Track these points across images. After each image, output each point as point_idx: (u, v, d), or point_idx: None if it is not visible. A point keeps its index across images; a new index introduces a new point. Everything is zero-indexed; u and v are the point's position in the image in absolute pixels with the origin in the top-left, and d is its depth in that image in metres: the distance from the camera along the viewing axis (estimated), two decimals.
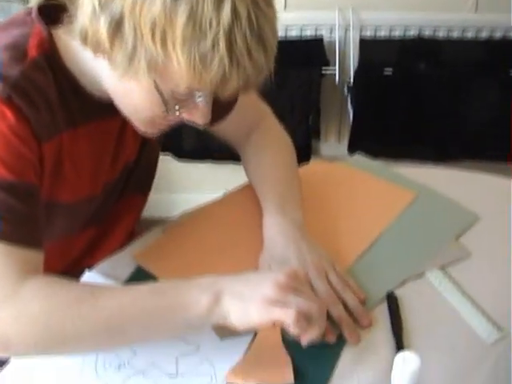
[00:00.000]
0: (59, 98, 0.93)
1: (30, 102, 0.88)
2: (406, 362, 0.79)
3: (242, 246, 1.11)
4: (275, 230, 1.08)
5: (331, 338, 0.96)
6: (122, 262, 1.09)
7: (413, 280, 1.07)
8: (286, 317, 0.86)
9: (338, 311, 0.98)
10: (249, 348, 0.95)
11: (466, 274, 1.08)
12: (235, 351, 0.95)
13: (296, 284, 0.90)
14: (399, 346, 0.97)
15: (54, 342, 0.87)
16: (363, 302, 1.02)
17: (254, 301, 0.87)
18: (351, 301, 1.00)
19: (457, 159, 2.11)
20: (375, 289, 1.05)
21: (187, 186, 2.29)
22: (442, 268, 1.09)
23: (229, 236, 1.14)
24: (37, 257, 0.89)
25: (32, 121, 0.88)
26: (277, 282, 0.88)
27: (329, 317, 0.96)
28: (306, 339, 0.89)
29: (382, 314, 1.02)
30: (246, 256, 1.08)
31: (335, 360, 0.96)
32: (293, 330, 0.87)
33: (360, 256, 1.11)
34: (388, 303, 1.03)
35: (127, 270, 1.08)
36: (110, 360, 0.94)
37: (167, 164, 2.18)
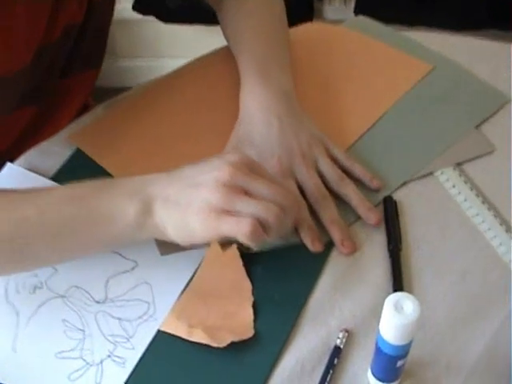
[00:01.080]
0: None
1: None
2: (400, 312, 0.58)
3: (209, 129, 0.90)
4: (253, 102, 0.86)
5: (317, 246, 0.76)
6: (54, 149, 0.90)
7: (417, 180, 0.85)
8: (238, 230, 0.67)
9: (329, 212, 0.78)
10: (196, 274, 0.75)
11: (487, 175, 0.86)
12: (183, 272, 0.76)
13: (248, 178, 0.69)
14: (396, 268, 0.76)
15: None
16: (377, 188, 0.83)
17: (193, 210, 0.68)
18: (352, 194, 0.80)
19: (483, 27, 1.81)
20: (369, 192, 0.83)
21: (174, 52, 2.09)
22: (457, 166, 0.85)
23: (193, 115, 0.93)
24: None
25: None
26: (222, 180, 0.67)
27: (317, 219, 0.78)
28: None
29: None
30: (215, 143, 0.87)
31: (311, 283, 0.76)
32: (249, 244, 0.68)
33: (353, 145, 0.89)
34: (384, 209, 0.81)
35: (60, 158, 0.89)
36: (24, 281, 0.76)
37: (151, 26, 2.00)
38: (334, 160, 0.83)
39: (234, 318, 0.72)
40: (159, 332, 0.72)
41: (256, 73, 0.88)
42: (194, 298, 0.73)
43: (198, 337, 0.69)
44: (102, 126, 0.93)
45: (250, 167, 0.70)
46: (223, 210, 0.67)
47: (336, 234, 0.77)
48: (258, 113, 0.85)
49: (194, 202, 0.68)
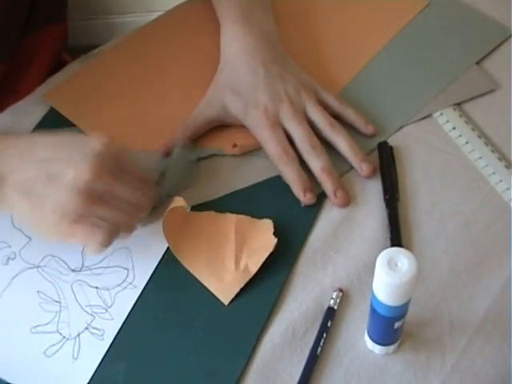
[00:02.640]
0: None
1: None
2: (395, 270, 0.53)
3: (193, 81, 0.83)
4: (235, 47, 0.80)
5: (309, 197, 0.71)
6: (29, 108, 0.84)
7: (414, 123, 0.79)
8: (90, 241, 0.63)
9: (319, 162, 0.72)
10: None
11: (490, 114, 0.79)
12: (163, 235, 0.69)
13: (106, 184, 0.63)
14: (393, 220, 0.70)
15: None
16: (372, 134, 0.77)
17: (46, 210, 0.62)
18: (343, 142, 0.74)
19: None
20: (363, 138, 0.77)
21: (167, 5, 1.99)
22: (457, 106, 0.79)
23: (175, 67, 0.86)
24: None
25: None
26: (80, 185, 0.61)
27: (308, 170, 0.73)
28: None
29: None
30: (199, 96, 0.80)
31: (302, 240, 0.70)
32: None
33: (345, 89, 0.82)
34: (380, 156, 0.75)
35: (35, 118, 0.83)
36: None
37: None
38: (325, 106, 0.77)
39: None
40: (139, 300, 0.67)
41: (237, 17, 0.82)
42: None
43: None
44: (78, 82, 0.86)
45: (113, 158, 0.64)
46: (77, 219, 0.62)
47: (328, 185, 0.72)
48: (241, 58, 0.79)
49: (48, 202, 0.62)
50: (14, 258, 0.70)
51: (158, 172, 0.72)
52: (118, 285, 0.68)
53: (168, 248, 0.70)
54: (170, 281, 0.67)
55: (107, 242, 0.63)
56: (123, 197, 0.64)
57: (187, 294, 0.68)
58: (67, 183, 0.61)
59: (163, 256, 0.70)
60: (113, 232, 0.64)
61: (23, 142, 0.66)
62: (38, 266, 0.70)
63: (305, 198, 0.71)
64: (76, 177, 0.61)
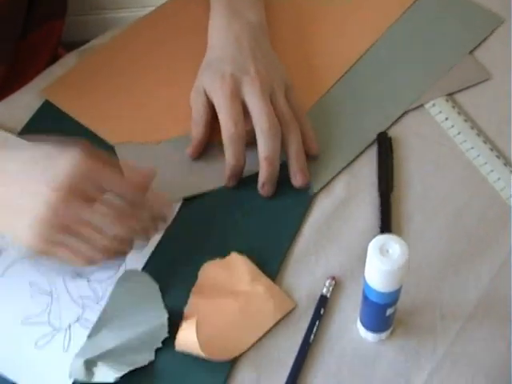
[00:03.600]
0: None
1: None
2: (386, 257, 0.53)
3: (185, 74, 0.82)
4: (219, 35, 0.79)
5: (232, 184, 0.72)
6: (22, 102, 0.84)
7: (406, 114, 0.79)
8: (71, 262, 0.60)
9: (265, 149, 0.70)
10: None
11: (482, 105, 0.79)
12: None
13: (74, 215, 0.58)
14: (384, 209, 0.70)
15: None
16: (313, 154, 0.74)
17: (20, 227, 0.58)
18: (293, 144, 0.72)
19: None
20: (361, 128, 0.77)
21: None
22: (449, 97, 0.79)
23: (173, 59, 0.85)
24: None
25: None
26: (43, 224, 0.57)
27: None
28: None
29: (367, 161, 0.75)
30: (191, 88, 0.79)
31: (294, 229, 0.71)
32: None
33: (339, 81, 0.82)
34: (378, 147, 0.75)
35: (29, 111, 0.82)
36: None
37: None
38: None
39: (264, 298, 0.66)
40: None
41: (224, 8, 0.81)
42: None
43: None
44: (75, 76, 0.86)
45: (86, 180, 0.58)
46: (50, 241, 0.58)
47: (263, 173, 0.70)
48: (220, 42, 0.78)
49: (22, 220, 0.58)
50: (7, 249, 0.70)
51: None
52: (110, 278, 0.68)
53: (158, 243, 0.70)
54: (160, 275, 0.67)
55: (91, 262, 0.60)
56: (94, 226, 0.59)
57: (180, 266, 0.68)
58: (29, 218, 0.57)
59: (154, 251, 0.70)
60: (85, 259, 0.60)
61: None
62: (29, 257, 0.69)
63: (228, 182, 0.71)
64: (48, 197, 0.57)
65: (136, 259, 0.68)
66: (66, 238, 0.58)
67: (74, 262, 0.60)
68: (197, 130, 0.75)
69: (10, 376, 0.63)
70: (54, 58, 0.97)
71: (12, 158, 0.61)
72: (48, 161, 0.59)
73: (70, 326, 0.66)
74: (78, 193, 0.57)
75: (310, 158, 0.74)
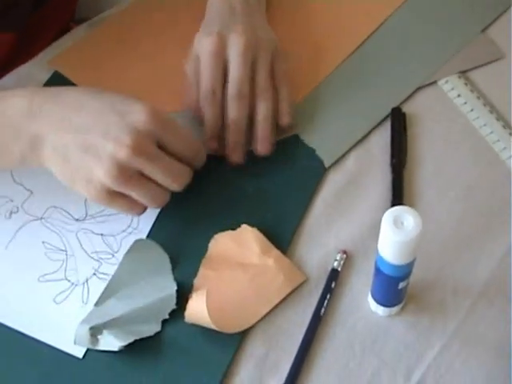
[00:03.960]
0: None
1: None
2: (400, 228, 0.52)
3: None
4: (217, 4, 0.78)
5: (211, 146, 0.71)
6: (32, 73, 0.83)
7: (419, 90, 0.78)
8: (128, 212, 0.66)
9: (233, 114, 0.70)
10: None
11: (495, 82, 0.78)
12: None
13: (146, 160, 0.61)
14: (396, 183, 0.70)
15: None
16: (283, 128, 0.73)
17: (82, 179, 0.62)
18: (262, 112, 0.71)
19: None
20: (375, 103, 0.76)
21: None
22: (462, 74, 0.79)
23: (186, 29, 0.81)
24: None
25: None
26: (118, 161, 0.60)
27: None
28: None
29: (379, 137, 0.74)
30: None
31: (306, 202, 0.70)
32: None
33: (352, 55, 0.81)
34: (392, 122, 0.75)
35: (38, 83, 0.81)
36: None
37: None
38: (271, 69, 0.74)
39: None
40: None
41: None
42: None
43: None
44: (83, 47, 0.85)
45: (158, 132, 0.62)
46: (115, 192, 0.62)
47: (230, 138, 0.70)
48: (222, 7, 0.77)
49: (84, 171, 0.61)
50: (17, 212, 0.70)
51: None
52: (123, 231, 0.69)
53: (169, 214, 0.70)
54: (170, 247, 0.67)
55: (141, 213, 0.66)
56: (156, 176, 0.63)
57: (191, 238, 0.68)
58: (103, 157, 0.60)
59: (163, 222, 0.70)
60: (143, 207, 0.65)
61: (60, 102, 0.63)
62: (41, 218, 0.70)
63: (207, 144, 0.70)
64: (113, 152, 0.59)
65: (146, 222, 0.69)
66: (127, 190, 0.62)
67: (129, 213, 0.66)
68: (191, 97, 0.74)
69: (30, 333, 0.63)
70: (64, 33, 0.97)
71: (76, 108, 0.62)
72: (114, 116, 0.61)
73: (87, 280, 0.66)
74: (143, 149, 0.60)
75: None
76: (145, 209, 0.65)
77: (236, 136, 0.70)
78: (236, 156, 0.70)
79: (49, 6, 0.94)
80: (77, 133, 0.61)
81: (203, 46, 0.72)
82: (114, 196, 0.62)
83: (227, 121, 0.70)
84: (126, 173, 0.60)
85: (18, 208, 0.71)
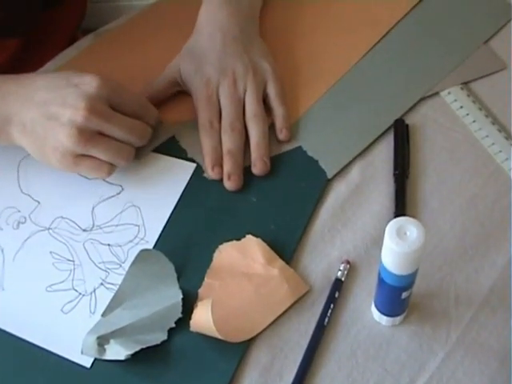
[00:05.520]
0: None
1: None
2: (404, 239, 0.53)
3: None
4: (207, 19, 0.81)
5: (216, 173, 0.73)
6: None
7: (422, 102, 0.79)
8: (95, 173, 0.71)
9: (228, 144, 0.74)
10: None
11: (497, 94, 0.79)
12: (171, 192, 0.73)
13: (102, 120, 0.69)
14: (399, 193, 0.70)
15: None
16: (282, 141, 0.76)
17: (49, 146, 0.69)
18: (256, 134, 0.75)
19: None
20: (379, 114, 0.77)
21: None
22: (464, 85, 0.79)
23: (180, 43, 0.84)
24: None
25: None
26: (77, 124, 0.67)
27: None
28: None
29: (382, 148, 0.75)
30: None
31: (310, 212, 0.71)
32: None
33: (355, 66, 0.82)
34: (395, 133, 0.76)
35: None
36: (7, 217, 0.72)
37: None
38: (266, 96, 0.78)
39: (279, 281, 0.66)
40: None
41: None
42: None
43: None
44: (89, 57, 0.87)
45: (109, 95, 0.70)
46: (78, 154, 0.68)
47: (226, 166, 0.73)
48: (206, 29, 0.80)
49: (49, 139, 0.68)
50: (25, 222, 0.71)
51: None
52: (130, 241, 0.69)
53: (177, 203, 0.72)
54: (175, 256, 0.67)
55: (109, 173, 0.71)
56: (115, 133, 0.69)
57: (196, 248, 0.69)
58: (64, 123, 0.67)
59: (172, 212, 0.71)
60: (110, 166, 0.70)
61: (24, 85, 0.71)
62: (48, 228, 0.71)
63: (212, 172, 0.73)
64: (71, 117, 0.66)
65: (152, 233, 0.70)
66: (90, 150, 0.68)
67: (97, 174, 0.70)
68: (156, 96, 0.79)
69: (38, 342, 0.64)
70: (71, 42, 0.98)
71: (38, 88, 0.70)
72: (70, 87, 0.69)
73: (94, 290, 0.67)
74: (97, 110, 0.67)
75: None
76: (112, 168, 0.70)
77: (231, 166, 0.72)
78: (231, 184, 0.72)
79: (57, 10, 0.96)
80: (40, 107, 0.68)
81: (197, 85, 0.76)
82: (79, 159, 0.68)
83: (223, 151, 0.73)
84: (85, 134, 0.67)
85: (25, 218, 0.72)
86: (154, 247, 0.69)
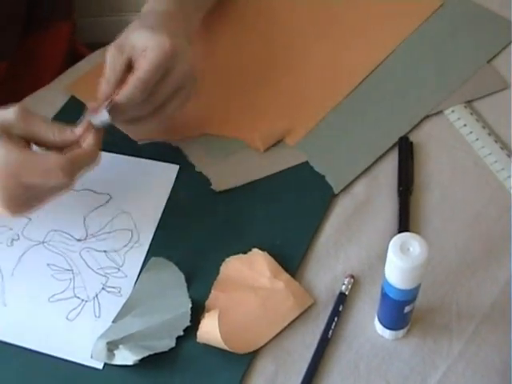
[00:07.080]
0: None
1: None
2: (407, 254, 0.54)
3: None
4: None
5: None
6: (49, 97, 0.86)
7: (426, 119, 0.81)
8: (59, 189, 0.65)
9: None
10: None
11: (500, 112, 0.81)
12: (159, 194, 0.75)
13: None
14: (403, 209, 0.72)
15: None
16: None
17: None
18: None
19: None
20: (384, 132, 0.79)
21: None
22: (468, 104, 0.81)
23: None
24: None
25: None
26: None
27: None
28: None
29: (387, 165, 0.77)
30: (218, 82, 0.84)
31: (315, 227, 0.72)
32: None
33: (361, 85, 0.84)
34: (399, 150, 0.77)
35: (55, 107, 0.85)
36: None
37: None
38: None
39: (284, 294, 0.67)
40: (148, 255, 0.71)
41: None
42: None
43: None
44: (101, 73, 0.87)
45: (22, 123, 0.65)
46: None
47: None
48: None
49: None
50: (18, 239, 0.73)
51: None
52: (125, 245, 0.71)
53: (165, 206, 0.74)
54: (183, 269, 0.69)
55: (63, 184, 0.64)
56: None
57: (203, 261, 0.70)
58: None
59: (163, 213, 0.73)
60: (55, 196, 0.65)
61: None
62: (43, 242, 0.72)
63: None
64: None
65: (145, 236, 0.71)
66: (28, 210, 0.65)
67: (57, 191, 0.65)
68: (108, 87, 0.74)
69: (45, 350, 0.65)
70: (75, 59, 0.97)
71: None
72: None
73: (96, 295, 0.68)
74: (15, 141, 0.63)
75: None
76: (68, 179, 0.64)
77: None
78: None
79: (40, 33, 0.95)
80: None
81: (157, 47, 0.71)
82: (16, 210, 0.64)
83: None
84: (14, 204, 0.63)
85: (18, 235, 0.73)
86: (149, 248, 0.71)
